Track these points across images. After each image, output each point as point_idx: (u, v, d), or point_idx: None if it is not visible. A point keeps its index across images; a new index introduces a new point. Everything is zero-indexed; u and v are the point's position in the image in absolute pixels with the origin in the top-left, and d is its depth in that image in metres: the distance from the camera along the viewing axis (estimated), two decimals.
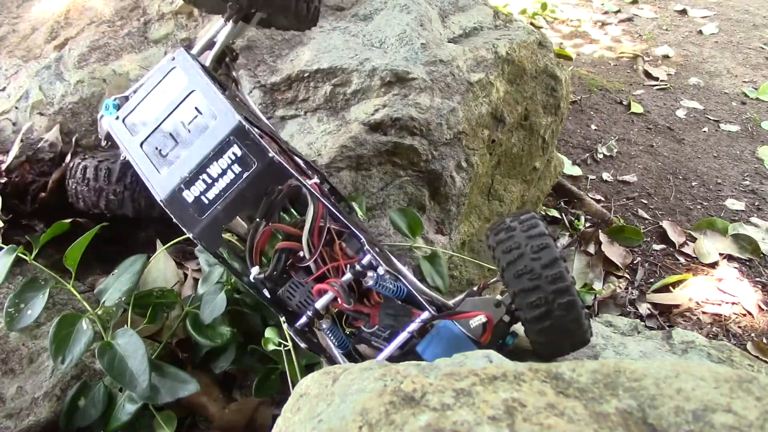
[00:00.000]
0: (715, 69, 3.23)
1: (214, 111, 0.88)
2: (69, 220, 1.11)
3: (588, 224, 2.15)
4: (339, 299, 0.87)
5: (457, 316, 0.91)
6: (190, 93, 0.91)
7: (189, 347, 1.07)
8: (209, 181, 0.85)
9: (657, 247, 2.09)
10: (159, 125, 0.90)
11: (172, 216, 0.85)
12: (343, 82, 1.30)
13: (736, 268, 2.01)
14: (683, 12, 3.85)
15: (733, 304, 1.87)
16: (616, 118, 2.78)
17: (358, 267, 0.88)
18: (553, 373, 0.59)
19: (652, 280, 1.96)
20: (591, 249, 2.00)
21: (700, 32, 3.60)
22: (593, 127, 2.71)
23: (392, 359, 0.89)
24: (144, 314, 1.01)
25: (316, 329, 0.91)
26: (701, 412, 0.51)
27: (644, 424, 0.52)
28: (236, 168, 0.85)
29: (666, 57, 3.33)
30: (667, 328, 1.52)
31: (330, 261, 0.90)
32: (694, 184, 2.39)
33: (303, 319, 0.87)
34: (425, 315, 0.89)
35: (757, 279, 1.97)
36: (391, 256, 1.01)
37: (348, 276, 0.88)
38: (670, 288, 1.92)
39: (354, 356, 0.92)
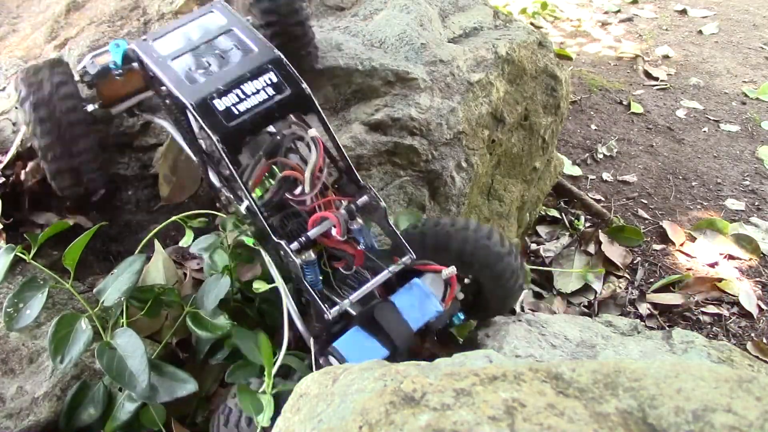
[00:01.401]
0: (715, 69, 3.23)
1: (252, 45, 0.94)
2: (70, 220, 1.11)
3: (588, 224, 2.15)
4: (336, 228, 0.90)
5: (431, 267, 0.96)
6: (228, 30, 0.97)
7: (189, 347, 1.07)
8: (242, 96, 0.90)
9: (657, 247, 2.09)
10: (193, 49, 0.95)
11: (199, 120, 0.88)
12: (343, 82, 1.30)
13: (736, 268, 2.01)
14: (683, 12, 3.85)
15: (733, 304, 1.87)
16: (616, 118, 2.78)
17: (353, 206, 0.93)
18: (553, 373, 0.59)
19: (652, 280, 1.96)
20: (591, 249, 2.00)
21: (700, 32, 3.60)
22: (593, 127, 2.71)
23: (365, 303, 0.94)
24: (142, 308, 1.01)
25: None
26: (701, 412, 0.51)
27: (644, 424, 0.52)
28: (270, 90, 0.91)
29: (666, 57, 3.33)
30: (667, 328, 1.52)
31: (325, 203, 0.94)
32: (694, 184, 2.39)
33: (295, 244, 0.89)
34: (406, 258, 0.95)
35: (757, 279, 1.96)
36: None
37: (343, 212, 0.92)
38: (670, 288, 1.92)
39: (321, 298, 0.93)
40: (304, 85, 0.93)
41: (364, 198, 0.94)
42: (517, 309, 1.80)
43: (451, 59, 1.37)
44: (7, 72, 1.42)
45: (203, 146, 1.03)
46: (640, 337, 1.13)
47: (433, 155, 1.30)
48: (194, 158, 1.06)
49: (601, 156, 2.53)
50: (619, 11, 3.87)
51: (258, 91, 0.91)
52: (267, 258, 0.97)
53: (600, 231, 2.06)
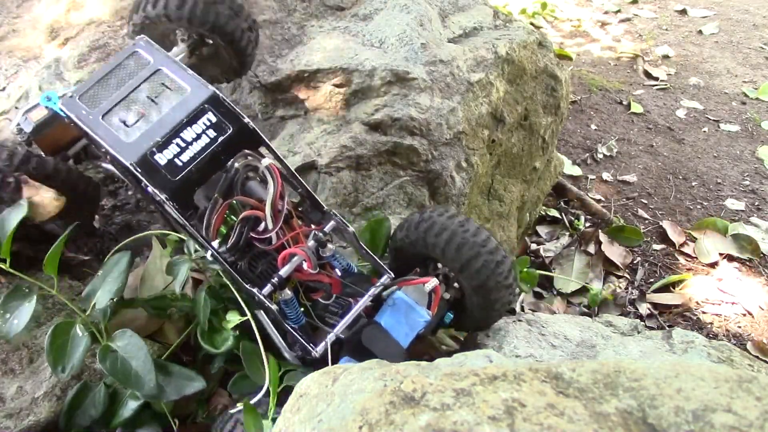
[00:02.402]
0: (715, 69, 3.23)
1: (184, 85, 0.90)
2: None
3: (588, 224, 2.15)
4: (307, 263, 0.89)
5: (411, 282, 0.96)
6: (156, 71, 0.92)
7: (190, 349, 1.07)
8: (183, 144, 0.86)
9: (657, 247, 2.09)
10: (123, 99, 0.90)
11: (143, 179, 0.84)
12: (343, 82, 1.30)
13: (736, 268, 2.00)
14: (683, 12, 3.85)
15: (733, 304, 1.87)
16: (616, 118, 2.78)
17: (320, 234, 0.91)
18: (553, 373, 0.59)
19: (652, 280, 1.96)
20: (591, 249, 2.00)
21: (700, 32, 3.60)
22: (593, 127, 2.70)
23: (352, 326, 0.93)
24: (159, 315, 1.01)
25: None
26: (701, 412, 0.51)
27: (644, 424, 0.52)
28: (211, 133, 0.87)
29: (666, 57, 3.33)
30: (667, 328, 1.52)
31: (292, 237, 0.92)
32: (694, 184, 2.39)
33: (268, 287, 0.88)
34: (385, 279, 0.94)
35: (757, 279, 1.96)
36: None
37: (312, 243, 0.91)
38: (670, 288, 1.92)
39: (308, 331, 0.94)
40: (246, 120, 0.89)
41: (331, 224, 0.93)
42: (517, 309, 1.80)
43: (451, 59, 1.37)
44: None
45: (155, 199, 0.96)
46: (640, 337, 1.13)
47: (433, 155, 1.30)
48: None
49: (601, 156, 2.53)
50: (619, 11, 3.87)
51: (199, 136, 0.87)
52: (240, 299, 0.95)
53: (600, 231, 2.06)
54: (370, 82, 1.29)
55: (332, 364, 0.90)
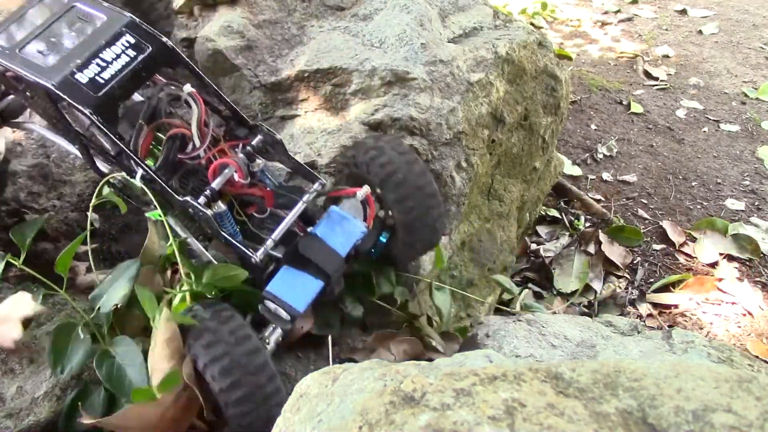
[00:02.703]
0: (715, 69, 3.23)
1: (100, 14, 0.93)
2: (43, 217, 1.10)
3: (588, 224, 2.15)
4: (237, 172, 0.90)
5: (342, 191, 0.99)
6: (71, 7, 0.94)
7: None
8: (103, 64, 0.88)
9: (657, 247, 2.09)
10: (40, 33, 0.92)
11: (66, 98, 0.86)
12: (343, 82, 1.30)
13: (736, 268, 2.01)
14: (683, 12, 3.85)
15: (733, 304, 1.87)
16: (616, 118, 2.78)
17: (249, 147, 0.93)
18: (553, 372, 0.59)
19: (652, 280, 1.96)
20: (591, 249, 2.00)
21: (700, 32, 3.60)
22: (593, 127, 2.71)
23: (289, 243, 0.94)
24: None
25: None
26: (701, 412, 0.51)
27: (644, 424, 0.52)
28: (131, 52, 0.90)
29: (666, 57, 3.33)
30: (667, 328, 1.52)
31: (219, 152, 0.95)
32: (694, 184, 2.39)
33: (201, 199, 0.89)
34: (317, 185, 0.97)
35: (757, 279, 1.97)
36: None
37: (242, 155, 0.93)
38: (670, 288, 1.92)
39: (245, 245, 0.94)
40: (165, 39, 0.92)
41: (259, 138, 0.95)
42: (518, 309, 1.80)
43: (451, 59, 1.37)
44: None
45: (80, 131, 0.99)
46: (640, 337, 1.13)
47: (432, 155, 1.30)
48: (75, 151, 1.03)
49: (601, 156, 2.53)
50: (618, 11, 3.87)
51: (118, 56, 0.89)
52: (172, 220, 0.97)
53: (600, 231, 2.06)
54: (370, 82, 1.29)
55: (271, 276, 0.93)
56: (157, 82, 0.96)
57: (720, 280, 1.93)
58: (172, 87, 0.95)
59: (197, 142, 0.92)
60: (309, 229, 0.98)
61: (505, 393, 0.55)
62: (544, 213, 2.15)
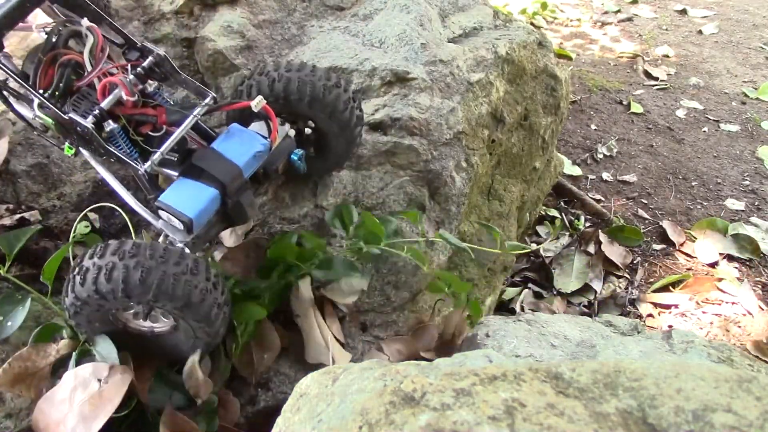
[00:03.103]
0: (715, 69, 3.23)
1: None
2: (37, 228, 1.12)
3: (588, 224, 2.15)
4: (124, 89, 0.92)
5: (238, 104, 0.99)
6: None
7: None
8: None
9: (657, 247, 2.09)
10: None
11: None
12: None
13: (736, 268, 2.01)
14: (683, 12, 3.85)
15: (733, 304, 1.87)
16: (616, 118, 2.78)
17: (139, 69, 0.95)
18: (553, 373, 0.59)
19: (652, 280, 1.96)
20: (591, 249, 2.00)
21: (700, 32, 3.60)
22: (593, 127, 2.71)
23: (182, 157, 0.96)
24: None
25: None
26: (701, 412, 0.51)
27: (644, 424, 0.52)
28: None
29: (666, 57, 3.33)
30: (667, 328, 1.52)
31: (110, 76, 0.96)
32: (694, 184, 2.39)
33: (90, 118, 0.90)
34: (209, 99, 0.98)
35: (757, 279, 1.97)
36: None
37: (132, 77, 0.94)
38: (670, 288, 1.92)
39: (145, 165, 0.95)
40: None
41: (150, 59, 0.97)
42: (517, 309, 1.80)
43: (451, 59, 1.37)
44: None
45: None
46: (640, 337, 1.13)
47: (433, 155, 1.30)
48: None
49: (601, 156, 2.53)
50: (618, 11, 3.88)
51: None
52: (87, 154, 0.99)
53: (600, 231, 2.06)
54: (370, 82, 1.29)
55: (163, 186, 0.94)
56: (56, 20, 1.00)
57: (720, 280, 1.93)
58: (72, 23, 0.98)
59: (89, 66, 0.94)
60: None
61: (505, 393, 0.55)
62: (544, 213, 2.15)
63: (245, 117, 1.04)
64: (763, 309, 1.86)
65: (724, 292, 1.90)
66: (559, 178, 2.09)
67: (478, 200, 1.48)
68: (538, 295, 1.89)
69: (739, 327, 1.80)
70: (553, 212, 2.17)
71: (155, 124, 0.96)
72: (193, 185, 0.93)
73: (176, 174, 0.95)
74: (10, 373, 0.92)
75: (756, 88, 3.04)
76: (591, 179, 2.40)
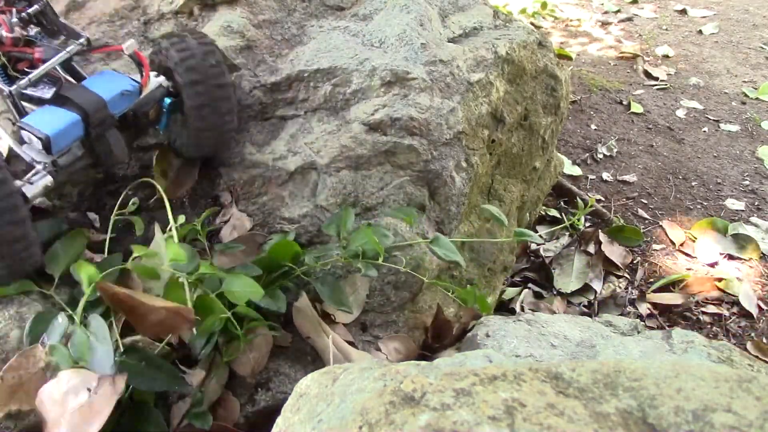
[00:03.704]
0: (715, 69, 3.23)
1: None
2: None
3: (588, 224, 2.15)
4: (4, 28, 0.98)
5: (110, 48, 1.10)
6: None
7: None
8: None
9: (657, 247, 2.09)
10: None
11: None
12: (343, 82, 1.30)
13: (736, 268, 2.01)
14: (683, 12, 3.85)
15: (733, 304, 1.87)
16: (616, 118, 2.78)
17: (24, 14, 1.01)
18: (553, 372, 0.59)
19: (652, 280, 1.96)
20: (591, 249, 2.00)
21: (700, 32, 3.60)
22: (593, 127, 2.71)
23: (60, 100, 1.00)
24: None
25: None
26: (701, 412, 0.51)
27: (644, 424, 0.52)
28: None
29: (666, 57, 3.33)
30: (667, 328, 1.52)
31: None
32: (694, 184, 2.39)
33: None
34: (82, 40, 1.04)
35: (757, 279, 1.97)
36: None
37: (15, 19, 1.00)
38: (670, 288, 1.92)
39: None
40: None
41: (35, 7, 1.02)
42: (517, 309, 1.80)
43: (451, 59, 1.37)
44: None
45: None
46: (640, 337, 1.13)
47: (432, 155, 1.30)
48: None
49: (601, 156, 2.53)
50: (619, 11, 3.88)
51: None
52: None
53: (600, 231, 2.06)
54: (370, 82, 1.29)
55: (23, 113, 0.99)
56: None
57: (720, 280, 1.92)
58: None
59: None
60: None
61: (505, 393, 0.55)
62: (544, 213, 2.15)
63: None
64: (763, 309, 1.86)
65: (724, 292, 1.90)
66: (559, 178, 2.09)
67: (478, 200, 1.48)
68: (538, 295, 1.89)
69: (739, 327, 1.80)
70: (553, 212, 2.17)
71: (32, 61, 1.02)
72: (56, 110, 0.99)
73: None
74: (5, 388, 0.92)
75: (756, 88, 3.04)
76: (591, 179, 2.40)
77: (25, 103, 1.03)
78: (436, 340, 1.29)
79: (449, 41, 1.48)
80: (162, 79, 1.12)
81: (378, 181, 1.28)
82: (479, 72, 1.41)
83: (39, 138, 0.96)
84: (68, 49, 1.03)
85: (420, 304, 1.29)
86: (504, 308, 1.80)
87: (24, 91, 1.01)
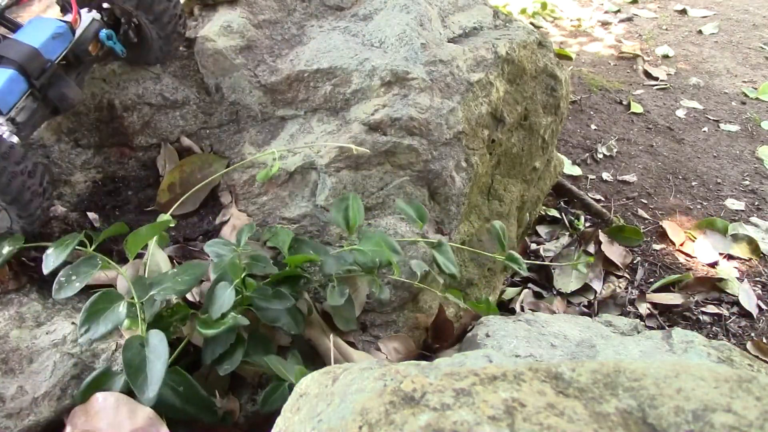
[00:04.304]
0: (715, 69, 3.23)
1: None
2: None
3: (588, 224, 2.15)
4: None
5: None
6: None
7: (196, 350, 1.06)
8: None
9: (657, 247, 2.09)
10: None
11: None
12: (343, 82, 1.30)
13: (736, 268, 2.01)
14: (683, 12, 3.85)
15: (733, 304, 1.87)
16: (616, 118, 2.78)
17: None
18: (553, 372, 0.59)
19: (652, 280, 1.96)
20: (591, 249, 2.00)
21: (700, 32, 3.60)
22: (593, 127, 2.71)
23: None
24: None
25: None
26: (701, 412, 0.51)
27: (644, 424, 0.52)
28: None
29: (666, 57, 3.33)
30: (667, 328, 1.52)
31: None
32: (694, 184, 2.39)
33: None
34: None
35: (757, 279, 1.97)
36: None
37: None
38: (670, 288, 1.92)
39: None
40: None
41: None
42: (517, 309, 1.80)
43: (450, 59, 1.37)
44: None
45: None
46: (640, 337, 1.13)
47: (432, 155, 1.30)
48: None
49: (601, 156, 2.53)
50: (619, 11, 3.88)
51: None
52: None
53: (600, 231, 2.06)
54: (370, 82, 1.29)
55: None
56: None
57: (720, 280, 1.92)
58: None
59: None
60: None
61: (505, 393, 0.55)
62: (544, 213, 2.15)
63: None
64: (763, 309, 1.86)
65: (724, 292, 1.90)
66: (559, 178, 2.09)
67: (478, 200, 1.48)
68: (538, 295, 1.89)
69: (739, 327, 1.80)
70: (553, 212, 2.17)
71: None
72: None
73: None
74: None
75: (756, 88, 3.04)
76: (591, 179, 2.40)
77: None
78: (436, 339, 1.29)
79: (449, 41, 1.48)
80: (94, 13, 1.12)
81: (378, 181, 1.28)
82: (479, 72, 1.41)
83: None
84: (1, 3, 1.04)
85: (420, 304, 1.29)
86: (504, 308, 1.80)
87: None
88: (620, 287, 1.93)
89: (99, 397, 0.93)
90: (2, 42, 1.02)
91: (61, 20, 1.07)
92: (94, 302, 0.93)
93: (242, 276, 1.00)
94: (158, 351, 0.89)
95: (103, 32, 1.12)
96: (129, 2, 1.12)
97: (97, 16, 1.13)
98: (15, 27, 1.10)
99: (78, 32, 1.09)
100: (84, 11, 1.12)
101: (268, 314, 1.04)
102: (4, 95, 0.99)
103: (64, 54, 1.08)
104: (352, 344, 1.17)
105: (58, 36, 1.05)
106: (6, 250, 1.05)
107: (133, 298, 0.95)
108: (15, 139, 1.01)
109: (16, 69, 1.00)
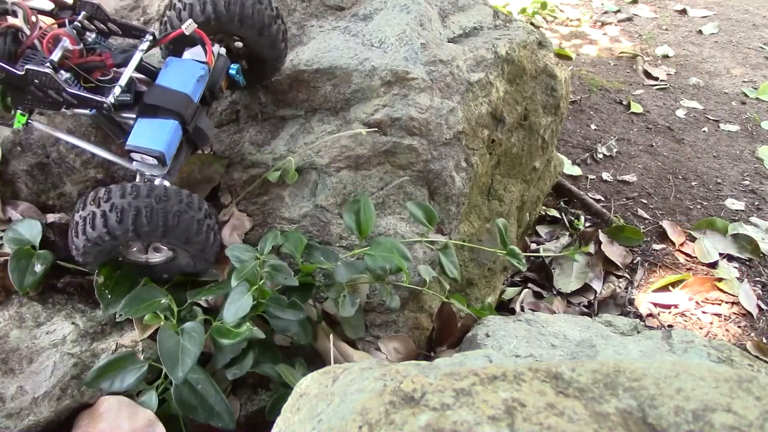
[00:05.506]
0: (715, 69, 3.23)
1: None
2: None
3: (588, 224, 2.15)
4: (69, 39, 0.97)
5: (171, 34, 1.03)
6: None
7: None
8: None
9: (657, 247, 2.09)
10: None
11: None
12: (343, 82, 1.30)
13: (736, 268, 2.01)
14: (683, 12, 3.85)
15: (733, 304, 1.87)
16: (616, 118, 2.78)
17: (76, 23, 1.00)
18: (553, 372, 0.59)
19: (652, 280, 1.96)
20: (591, 249, 2.00)
21: (700, 32, 3.60)
22: (593, 127, 2.70)
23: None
24: None
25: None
26: (701, 412, 0.51)
27: (644, 424, 0.52)
28: None
29: (666, 57, 3.33)
30: (667, 328, 1.52)
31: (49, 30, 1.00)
32: (694, 184, 2.39)
33: (47, 64, 0.94)
34: (149, 36, 1.04)
35: (757, 279, 1.97)
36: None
37: (71, 30, 0.99)
38: (670, 288, 1.92)
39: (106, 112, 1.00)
40: None
41: (83, 13, 1.02)
42: (517, 309, 1.80)
43: (450, 59, 1.37)
44: None
45: None
46: (640, 337, 1.13)
47: (432, 155, 1.30)
48: None
49: (601, 156, 2.53)
50: (618, 11, 3.88)
51: None
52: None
53: (600, 231, 2.06)
54: (370, 82, 1.29)
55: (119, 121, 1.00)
56: None
57: (720, 280, 1.92)
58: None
59: (27, 31, 0.97)
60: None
61: (505, 393, 0.55)
62: (544, 213, 2.15)
63: (178, 45, 1.10)
64: (763, 309, 1.86)
65: (724, 292, 1.90)
66: (559, 178, 2.09)
67: (478, 200, 1.48)
68: (538, 295, 1.89)
69: (739, 327, 1.80)
70: (553, 212, 2.17)
71: (103, 68, 1.01)
72: (153, 122, 0.99)
73: (133, 116, 1.00)
74: None
75: (756, 88, 3.04)
76: (591, 179, 2.40)
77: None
78: (441, 334, 1.30)
79: (449, 41, 1.48)
80: (218, 47, 1.11)
81: (378, 181, 1.28)
82: (479, 72, 1.41)
83: (155, 157, 0.97)
84: (141, 47, 1.02)
85: (420, 304, 1.29)
86: (504, 308, 1.80)
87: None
88: (620, 287, 1.93)
89: (104, 400, 0.95)
90: (154, 90, 1.01)
91: (199, 61, 1.06)
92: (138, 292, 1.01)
93: (260, 284, 1.00)
94: (194, 339, 0.94)
95: (233, 67, 1.11)
96: (250, 30, 1.10)
97: (223, 51, 1.12)
98: (151, 72, 1.07)
99: (212, 70, 1.08)
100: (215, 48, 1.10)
101: (280, 324, 1.04)
102: (171, 147, 0.98)
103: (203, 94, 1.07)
104: (352, 344, 1.17)
105: (202, 78, 1.04)
106: (39, 268, 1.06)
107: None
108: (167, 183, 1.00)
109: (177, 120, 0.99)
